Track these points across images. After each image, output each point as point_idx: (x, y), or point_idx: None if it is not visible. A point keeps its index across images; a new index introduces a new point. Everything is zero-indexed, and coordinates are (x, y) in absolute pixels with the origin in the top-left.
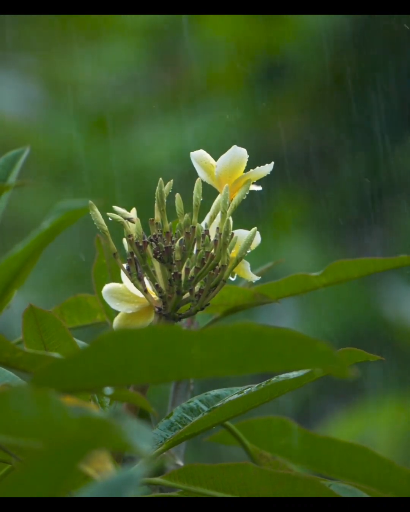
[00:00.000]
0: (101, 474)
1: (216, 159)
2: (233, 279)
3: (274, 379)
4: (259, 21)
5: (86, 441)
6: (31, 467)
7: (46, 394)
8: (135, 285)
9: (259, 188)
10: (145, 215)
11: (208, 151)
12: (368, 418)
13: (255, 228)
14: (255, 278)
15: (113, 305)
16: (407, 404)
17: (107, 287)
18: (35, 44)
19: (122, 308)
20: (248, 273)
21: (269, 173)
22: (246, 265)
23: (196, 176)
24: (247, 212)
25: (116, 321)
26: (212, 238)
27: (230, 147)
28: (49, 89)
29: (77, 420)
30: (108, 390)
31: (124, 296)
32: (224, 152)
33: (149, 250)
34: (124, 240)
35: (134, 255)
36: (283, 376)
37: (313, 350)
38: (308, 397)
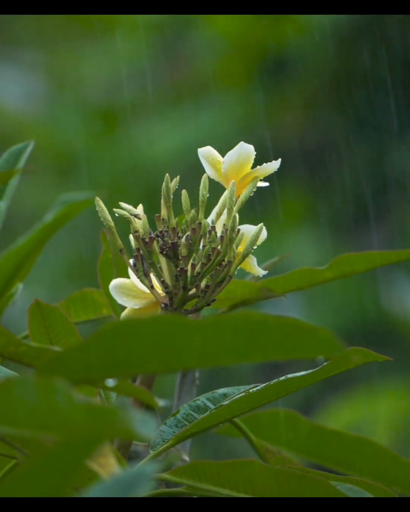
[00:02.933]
0: (106, 469)
1: (220, 155)
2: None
3: (282, 378)
4: (262, 17)
5: (96, 432)
6: (40, 461)
7: (51, 383)
8: (142, 281)
9: (266, 184)
10: (150, 210)
11: (211, 146)
12: (368, 406)
13: (261, 224)
14: (262, 272)
15: (120, 300)
16: (407, 394)
17: (115, 282)
18: (40, 39)
19: (129, 304)
20: (255, 267)
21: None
22: (252, 260)
23: (201, 170)
24: (252, 207)
25: (123, 316)
26: (218, 234)
27: (234, 142)
28: (54, 84)
29: (84, 408)
30: (110, 382)
31: (132, 292)
32: (228, 148)
33: (155, 246)
34: (131, 236)
35: (141, 251)
36: (291, 375)
37: (315, 338)
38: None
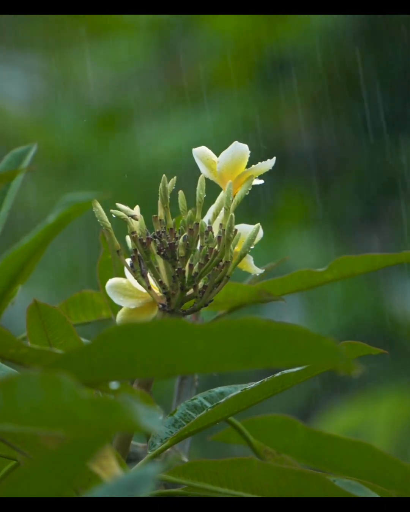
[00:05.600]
0: (107, 471)
1: (219, 156)
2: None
3: (278, 374)
4: (262, 18)
5: (102, 426)
6: (43, 460)
7: (56, 378)
8: (139, 282)
9: (262, 182)
10: (150, 211)
11: (212, 147)
12: (367, 410)
13: (258, 224)
14: (258, 271)
15: (117, 300)
16: (406, 398)
17: (111, 282)
18: (41, 41)
19: (126, 303)
20: (251, 266)
21: (272, 169)
22: (249, 259)
23: (200, 172)
24: (251, 208)
25: (119, 316)
26: (215, 235)
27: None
28: (55, 86)
29: (89, 403)
30: (113, 384)
31: (128, 291)
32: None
33: (153, 246)
34: (128, 237)
35: (138, 252)
36: (286, 371)
37: (318, 345)
38: (308, 389)
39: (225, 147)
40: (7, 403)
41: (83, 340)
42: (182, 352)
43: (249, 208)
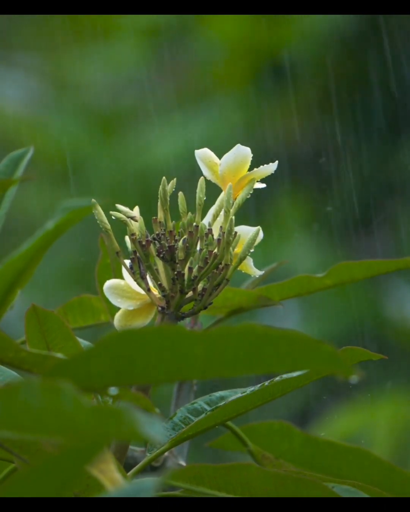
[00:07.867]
0: (106, 475)
1: (220, 159)
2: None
3: (277, 378)
4: (262, 21)
5: (103, 434)
6: (41, 464)
7: (56, 386)
8: (138, 284)
9: (264, 185)
10: (150, 214)
11: (212, 150)
12: (366, 415)
13: (259, 227)
14: (258, 272)
15: (115, 301)
16: (406, 403)
17: (109, 283)
18: (40, 43)
19: (124, 305)
20: (251, 268)
21: (273, 173)
22: (249, 261)
23: (200, 175)
24: (251, 213)
25: (117, 318)
26: (215, 237)
27: (233, 146)
28: (54, 88)
29: (90, 410)
30: (112, 390)
31: (126, 293)
32: (228, 152)
33: (152, 249)
34: (127, 239)
35: (138, 254)
36: (285, 375)
37: (317, 351)
38: (308, 394)
39: (225, 150)
40: (7, 410)
41: (83, 342)
42: (182, 359)
43: (248, 213)
